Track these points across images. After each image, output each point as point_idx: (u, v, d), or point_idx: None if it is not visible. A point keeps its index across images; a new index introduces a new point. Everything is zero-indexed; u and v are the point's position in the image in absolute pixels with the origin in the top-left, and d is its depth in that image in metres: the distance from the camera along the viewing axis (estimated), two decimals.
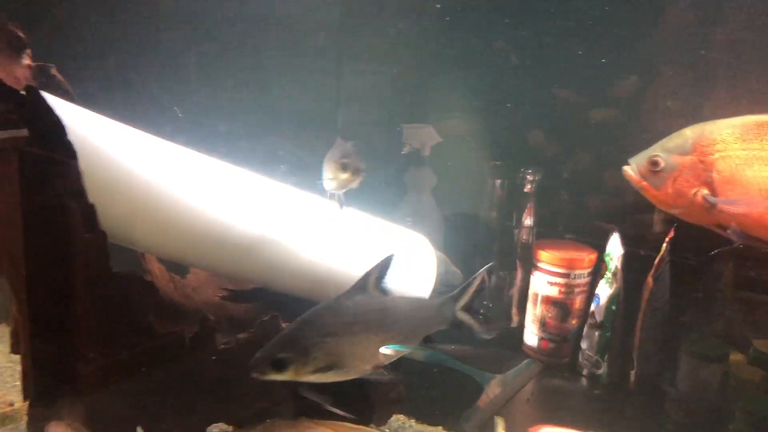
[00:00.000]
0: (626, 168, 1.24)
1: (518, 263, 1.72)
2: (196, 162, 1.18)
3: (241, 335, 1.10)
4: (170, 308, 1.12)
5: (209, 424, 1.14)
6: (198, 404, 1.11)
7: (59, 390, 1.08)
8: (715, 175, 1.18)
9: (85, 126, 1.02)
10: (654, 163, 1.20)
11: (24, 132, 0.98)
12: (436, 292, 1.43)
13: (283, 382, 1.04)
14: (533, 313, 1.65)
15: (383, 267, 1.07)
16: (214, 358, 1.08)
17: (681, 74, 1.48)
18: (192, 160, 1.17)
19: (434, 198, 1.86)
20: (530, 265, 1.66)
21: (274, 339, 1.02)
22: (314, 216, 1.28)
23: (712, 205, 1.18)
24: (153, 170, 1.09)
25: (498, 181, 1.76)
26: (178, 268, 1.24)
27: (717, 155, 1.17)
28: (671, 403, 1.45)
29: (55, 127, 0.94)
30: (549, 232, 1.70)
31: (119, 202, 1.04)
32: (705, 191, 1.18)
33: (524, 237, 1.71)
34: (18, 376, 1.57)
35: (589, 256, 1.59)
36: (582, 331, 1.60)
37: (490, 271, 1.03)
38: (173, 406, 1.09)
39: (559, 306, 1.61)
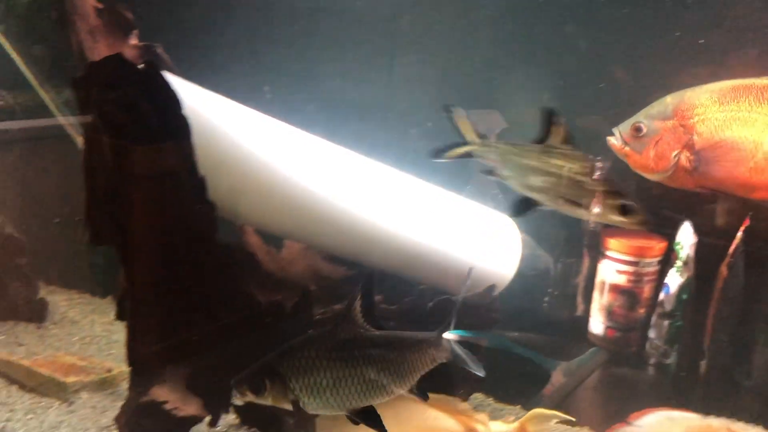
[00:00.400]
0: (610, 138, 1.25)
1: (585, 251, 1.71)
2: (298, 139, 1.20)
3: (338, 306, 1.11)
4: (268, 279, 1.14)
5: None
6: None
7: (162, 355, 1.11)
8: (695, 137, 1.21)
9: (197, 102, 1.04)
10: (637, 129, 1.23)
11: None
12: (520, 273, 1.43)
13: None
14: (600, 301, 1.64)
15: (367, 294, 0.94)
16: (309, 327, 1.10)
17: None
18: (294, 137, 1.19)
19: (498, 186, 1.85)
20: (598, 254, 1.65)
21: (259, 362, 0.96)
22: (408, 194, 1.29)
23: (694, 168, 1.21)
24: (260, 146, 1.11)
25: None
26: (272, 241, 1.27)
27: (696, 119, 1.20)
28: (746, 393, 1.44)
29: (170, 102, 0.97)
30: None
31: (227, 176, 1.06)
32: (687, 153, 1.21)
33: (592, 225, 1.70)
34: (113, 344, 1.61)
35: (659, 245, 1.58)
36: (650, 320, 1.58)
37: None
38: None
39: (627, 294, 1.60)
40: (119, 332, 1.64)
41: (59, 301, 1.82)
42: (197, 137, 1.00)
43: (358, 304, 0.92)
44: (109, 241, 1.09)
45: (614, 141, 1.25)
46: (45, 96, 1.72)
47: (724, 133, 1.19)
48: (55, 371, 1.40)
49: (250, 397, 0.93)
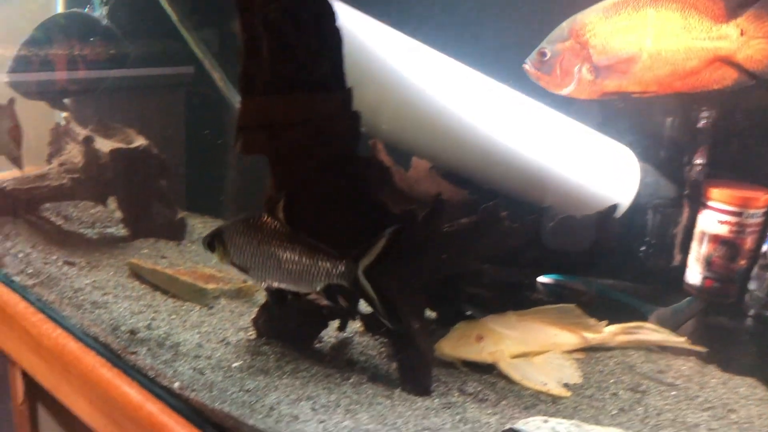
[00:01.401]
0: (524, 65, 1.38)
1: (685, 201, 1.68)
2: (437, 59, 1.23)
3: (464, 219, 1.14)
4: (399, 194, 1.18)
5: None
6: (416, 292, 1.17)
7: None
8: (590, 51, 1.35)
9: (348, 17, 1.09)
10: (542, 54, 1.37)
11: None
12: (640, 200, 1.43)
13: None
14: (698, 251, 1.62)
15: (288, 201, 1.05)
16: (439, 239, 1.13)
17: None
18: (434, 57, 1.23)
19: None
20: (698, 204, 1.63)
21: (224, 224, 1.10)
22: (534, 118, 1.31)
23: (595, 78, 1.37)
24: (403, 63, 1.15)
25: (669, 118, 1.72)
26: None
27: (588, 35, 1.34)
28: None
29: (326, 13, 1.01)
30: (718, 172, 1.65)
31: (372, 89, 1.11)
32: (587, 65, 1.35)
33: (694, 175, 1.67)
34: None
35: (764, 196, 1.55)
36: (750, 272, 1.56)
37: (397, 233, 0.94)
38: (393, 275, 1.14)
39: (729, 245, 1.57)
40: None
41: (195, 223, 1.91)
42: (347, 50, 1.04)
43: (281, 205, 1.02)
44: (259, 150, 1.14)
45: (528, 68, 1.38)
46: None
47: (614, 43, 1.33)
48: (196, 279, 1.48)
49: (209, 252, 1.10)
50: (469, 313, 1.30)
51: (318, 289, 1.00)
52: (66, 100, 2.04)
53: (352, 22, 1.13)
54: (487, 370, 1.24)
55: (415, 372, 1.16)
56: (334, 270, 0.96)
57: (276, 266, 1.02)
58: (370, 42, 1.15)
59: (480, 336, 1.20)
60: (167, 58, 2.11)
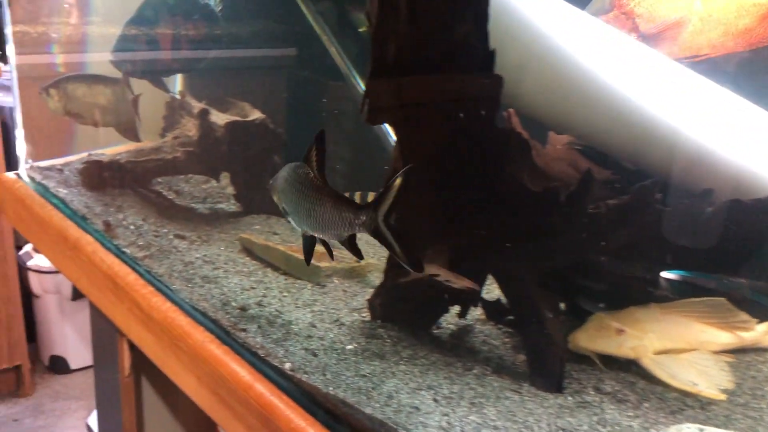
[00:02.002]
0: None
1: None
2: (587, 22, 1.09)
3: (612, 201, 1.01)
4: (536, 172, 1.05)
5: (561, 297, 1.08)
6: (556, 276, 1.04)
7: (430, 237, 1.06)
8: (636, 20, 1.26)
9: None
10: None
11: None
12: None
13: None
14: None
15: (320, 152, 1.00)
16: (582, 221, 1.00)
17: None
18: (583, 19, 1.09)
19: None
20: None
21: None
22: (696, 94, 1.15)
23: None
24: (549, 26, 1.02)
25: None
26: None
27: (633, 3, 1.27)
28: None
29: None
30: None
31: (515, 51, 0.98)
32: (633, 36, 1.26)
33: None
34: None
35: None
36: None
37: (407, 175, 0.89)
38: (526, 260, 1.03)
39: None
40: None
41: None
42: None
43: (314, 153, 0.99)
44: (387, 118, 1.04)
45: None
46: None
47: (660, 9, 1.25)
48: None
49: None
50: (602, 305, 1.16)
51: (344, 238, 0.99)
52: (165, 78, 1.99)
53: None
54: (625, 367, 1.10)
55: (546, 365, 1.03)
56: (356, 220, 0.95)
57: (308, 214, 1.02)
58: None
59: (620, 329, 1.06)
60: (271, 39, 2.07)
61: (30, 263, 3.12)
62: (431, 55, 0.93)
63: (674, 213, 1.04)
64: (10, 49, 2.06)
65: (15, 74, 2.06)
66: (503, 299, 1.17)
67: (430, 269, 1.02)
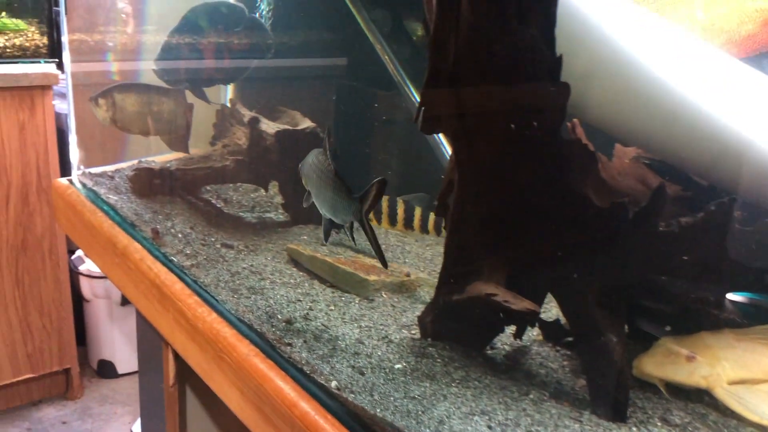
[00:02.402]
0: None
1: None
2: (664, 27, 1.02)
3: (685, 219, 0.93)
4: (602, 186, 0.98)
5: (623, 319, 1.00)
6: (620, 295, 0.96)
7: (484, 252, 0.99)
8: None
9: None
10: None
11: None
12: None
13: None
14: None
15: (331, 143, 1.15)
16: (653, 240, 0.92)
17: None
18: (660, 24, 1.01)
19: None
20: None
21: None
22: None
23: None
24: (617, 29, 0.95)
25: None
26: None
27: None
28: None
29: None
30: None
31: (582, 57, 0.91)
32: None
33: None
34: (407, 254, 1.54)
35: None
36: None
37: (382, 184, 0.98)
38: (590, 285, 0.95)
39: None
40: (412, 244, 1.56)
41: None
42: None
43: (328, 141, 1.15)
44: (443, 128, 0.98)
45: None
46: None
47: None
48: (357, 269, 1.33)
49: None
50: (668, 328, 1.08)
51: (346, 223, 1.11)
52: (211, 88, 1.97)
53: None
54: (696, 397, 1.01)
55: (609, 392, 0.95)
56: (350, 207, 1.06)
57: (322, 197, 1.14)
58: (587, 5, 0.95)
59: (691, 355, 0.97)
60: (323, 48, 2.05)
61: (81, 268, 3.13)
62: (492, 62, 0.87)
63: (754, 232, 0.96)
64: (66, 57, 2.07)
65: (70, 81, 2.06)
66: (562, 319, 1.09)
67: (488, 287, 0.95)
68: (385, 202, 1.53)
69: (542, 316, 1.12)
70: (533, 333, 1.16)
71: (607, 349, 0.94)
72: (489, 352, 1.13)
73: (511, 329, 1.13)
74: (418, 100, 0.97)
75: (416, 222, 1.51)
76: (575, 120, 1.00)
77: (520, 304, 0.90)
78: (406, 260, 1.51)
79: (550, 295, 1.07)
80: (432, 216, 1.49)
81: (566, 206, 0.93)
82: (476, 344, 1.10)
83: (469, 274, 1.02)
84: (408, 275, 1.34)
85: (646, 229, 0.92)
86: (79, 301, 3.22)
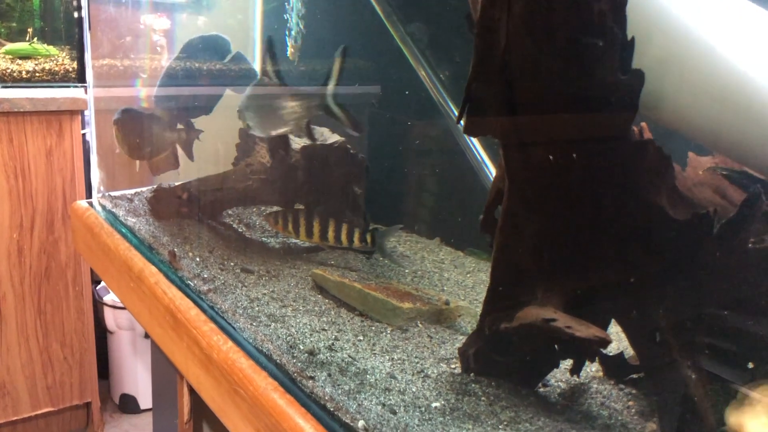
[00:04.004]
0: None
1: None
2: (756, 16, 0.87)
3: None
4: (679, 195, 0.82)
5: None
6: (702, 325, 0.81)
7: (538, 273, 0.84)
8: None
9: None
10: None
11: None
12: None
13: None
14: None
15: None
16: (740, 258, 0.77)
17: None
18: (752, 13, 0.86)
19: None
20: None
21: None
22: None
23: None
24: (707, 17, 0.81)
25: None
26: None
27: None
28: None
29: None
30: None
31: (658, 44, 0.77)
32: None
33: None
34: (446, 281, 1.39)
35: None
36: None
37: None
38: (666, 311, 0.80)
39: None
40: (450, 270, 1.41)
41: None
42: None
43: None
44: (490, 130, 0.84)
45: None
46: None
47: None
48: (390, 296, 1.19)
49: None
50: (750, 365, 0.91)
51: None
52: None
53: None
54: None
55: None
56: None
57: None
58: None
59: None
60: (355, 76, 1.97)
61: (106, 298, 3.03)
62: (552, 46, 0.72)
63: None
64: (89, 81, 2.02)
65: (92, 105, 2.01)
66: (626, 353, 0.93)
67: (545, 312, 0.80)
68: (302, 214, 1.44)
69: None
70: (592, 368, 1.00)
71: (686, 389, 0.78)
72: (541, 390, 0.97)
73: (566, 364, 0.98)
74: (456, 112, 0.83)
75: (330, 234, 1.42)
76: (643, 124, 0.85)
77: (587, 331, 0.75)
78: (445, 288, 1.37)
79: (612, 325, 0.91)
80: (345, 228, 1.40)
81: (637, 219, 0.78)
82: (527, 381, 0.95)
83: (520, 298, 0.87)
84: (447, 303, 1.19)
85: (734, 245, 0.76)
86: (102, 332, 3.11)
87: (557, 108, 0.77)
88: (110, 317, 3.03)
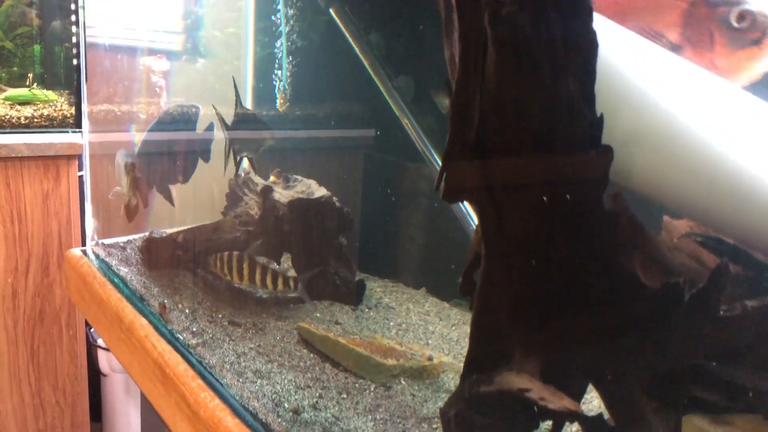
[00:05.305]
0: None
1: None
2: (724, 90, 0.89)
3: (751, 302, 0.78)
4: (650, 262, 0.83)
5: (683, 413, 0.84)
6: (671, 382, 0.81)
7: (516, 338, 0.84)
8: None
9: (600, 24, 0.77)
10: None
11: None
12: None
13: None
14: None
15: None
16: (712, 325, 0.77)
17: None
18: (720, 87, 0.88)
19: None
20: None
21: None
22: None
23: None
24: (669, 91, 0.82)
25: None
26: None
27: None
28: None
29: (582, 12, 0.71)
30: None
31: (625, 119, 0.78)
32: None
33: None
34: (430, 334, 1.39)
35: None
36: None
37: None
38: (639, 374, 0.80)
39: None
40: (435, 323, 1.42)
41: (374, 287, 1.64)
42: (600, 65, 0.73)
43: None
44: (467, 197, 0.85)
45: None
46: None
47: None
48: (373, 352, 1.19)
49: None
50: None
51: None
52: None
53: (603, 30, 0.82)
54: None
55: None
56: None
57: None
58: (628, 55, 0.83)
59: None
60: (346, 120, 2.01)
61: (100, 341, 3.01)
62: (523, 123, 0.74)
63: None
64: (85, 127, 2.03)
65: (87, 151, 2.02)
66: (606, 414, 0.93)
67: (520, 381, 0.80)
68: (235, 257, 1.48)
69: (583, 408, 0.96)
70: (573, 429, 1.00)
71: None
72: None
73: (547, 424, 0.97)
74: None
75: (257, 277, 1.47)
76: (618, 192, 0.86)
77: (559, 402, 0.75)
78: (429, 341, 1.37)
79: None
80: (270, 272, 1.46)
81: (610, 285, 0.78)
82: None
83: (499, 361, 0.87)
84: (430, 359, 1.19)
85: (705, 312, 0.77)
86: (96, 375, 3.09)
87: (530, 181, 0.78)
88: (104, 360, 3.01)
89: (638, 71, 0.83)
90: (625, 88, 0.81)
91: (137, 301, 1.51)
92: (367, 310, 1.49)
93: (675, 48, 0.94)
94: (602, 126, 0.74)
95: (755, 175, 0.86)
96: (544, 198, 0.78)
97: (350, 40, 1.74)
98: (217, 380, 1.17)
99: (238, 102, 1.50)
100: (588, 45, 0.70)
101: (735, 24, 0.90)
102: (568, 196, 0.76)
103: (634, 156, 0.81)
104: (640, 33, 0.91)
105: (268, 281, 1.43)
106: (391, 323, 1.44)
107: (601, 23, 0.79)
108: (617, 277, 0.79)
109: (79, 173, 2.79)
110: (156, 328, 1.38)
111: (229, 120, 1.56)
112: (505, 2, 0.68)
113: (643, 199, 0.89)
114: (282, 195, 1.55)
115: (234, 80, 1.58)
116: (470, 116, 0.78)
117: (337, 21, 1.81)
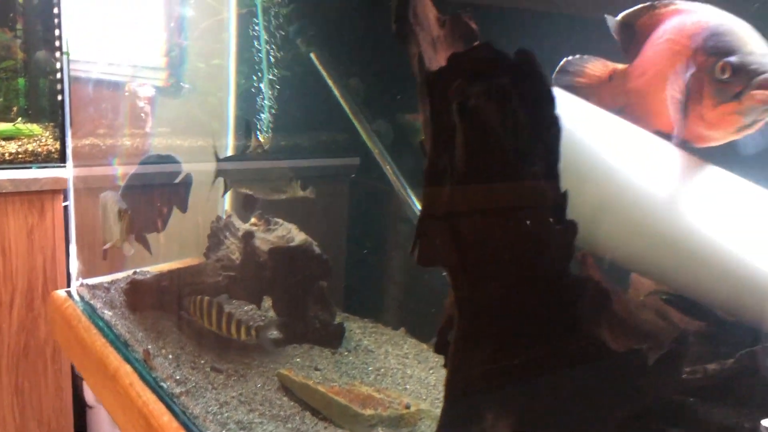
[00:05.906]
0: None
1: None
2: (687, 167, 0.91)
3: (712, 366, 0.80)
4: (616, 324, 0.85)
5: None
6: None
7: (489, 397, 0.86)
8: None
9: (565, 105, 0.80)
10: None
11: None
12: None
13: None
14: None
15: None
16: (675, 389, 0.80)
17: None
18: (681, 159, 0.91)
19: None
20: None
21: None
22: None
23: None
24: (632, 164, 0.85)
25: None
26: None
27: None
28: None
29: (544, 99, 0.73)
30: None
31: (589, 194, 0.81)
32: None
33: None
34: (408, 378, 1.40)
35: None
36: None
37: None
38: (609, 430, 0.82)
39: None
40: (414, 366, 1.43)
41: (354, 328, 1.65)
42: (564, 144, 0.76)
43: None
44: (441, 262, 0.87)
45: None
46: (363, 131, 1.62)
47: None
48: (352, 401, 1.20)
49: None
50: None
51: None
52: None
53: (569, 110, 0.85)
54: None
55: None
56: None
57: None
58: (591, 134, 0.85)
59: None
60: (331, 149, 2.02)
61: None
62: (491, 200, 0.76)
63: None
64: (69, 163, 2.03)
65: (71, 187, 2.01)
66: None
67: None
68: (205, 302, 1.50)
69: None
70: None
71: None
72: None
73: None
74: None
75: (224, 323, 1.48)
76: (585, 253, 0.88)
77: None
78: (407, 386, 1.38)
79: None
80: (235, 321, 1.48)
81: (579, 351, 0.80)
82: None
83: (471, 420, 0.89)
84: (408, 407, 1.20)
85: (669, 376, 0.79)
86: (81, 406, 3.06)
87: (499, 251, 0.80)
88: (90, 391, 2.99)
89: (603, 146, 0.86)
90: (590, 164, 0.83)
91: (122, 346, 1.51)
92: (346, 353, 1.50)
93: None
94: (566, 202, 0.76)
95: (715, 236, 0.89)
96: (513, 267, 0.80)
97: (330, 83, 1.77)
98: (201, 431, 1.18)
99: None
100: (551, 129, 0.72)
101: (719, 76, 0.90)
102: (535, 267, 0.78)
103: (600, 226, 0.84)
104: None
105: (233, 329, 1.45)
106: (370, 368, 1.46)
107: (567, 103, 0.82)
108: (585, 342, 0.81)
109: (64, 203, 2.78)
110: (140, 376, 1.38)
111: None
112: (470, 95, 0.70)
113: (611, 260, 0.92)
114: (262, 241, 1.56)
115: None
116: (442, 191, 0.80)
117: (318, 65, 1.83)
